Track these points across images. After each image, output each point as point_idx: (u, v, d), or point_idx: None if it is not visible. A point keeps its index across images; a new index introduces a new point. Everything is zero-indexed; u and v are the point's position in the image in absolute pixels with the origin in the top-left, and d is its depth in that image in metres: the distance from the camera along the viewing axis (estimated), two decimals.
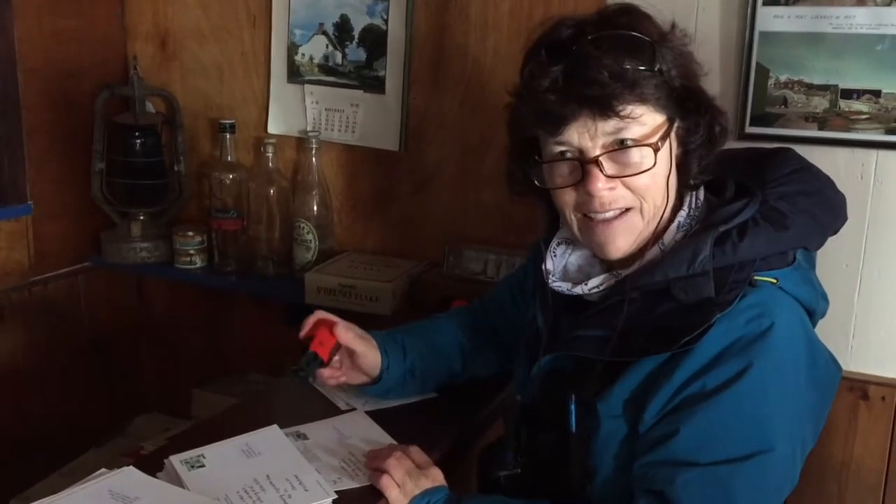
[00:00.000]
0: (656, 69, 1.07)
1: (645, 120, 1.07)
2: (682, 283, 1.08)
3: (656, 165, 1.08)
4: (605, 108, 1.05)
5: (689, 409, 1.04)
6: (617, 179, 1.09)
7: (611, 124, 1.06)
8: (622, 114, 1.05)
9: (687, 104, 1.11)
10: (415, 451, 1.21)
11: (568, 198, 1.13)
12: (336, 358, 1.34)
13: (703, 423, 1.03)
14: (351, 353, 1.34)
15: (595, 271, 1.20)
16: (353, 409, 1.38)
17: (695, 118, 1.12)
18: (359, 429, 1.31)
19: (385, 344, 1.37)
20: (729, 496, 1.03)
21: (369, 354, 1.34)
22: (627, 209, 1.11)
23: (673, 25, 1.13)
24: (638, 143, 1.07)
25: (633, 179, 1.09)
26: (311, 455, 1.22)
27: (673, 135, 1.11)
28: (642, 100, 1.06)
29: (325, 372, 1.33)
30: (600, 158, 1.08)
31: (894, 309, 1.54)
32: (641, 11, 1.13)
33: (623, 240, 1.12)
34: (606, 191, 1.09)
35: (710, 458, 1.03)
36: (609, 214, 1.11)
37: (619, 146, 1.08)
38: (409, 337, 1.42)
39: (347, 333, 1.32)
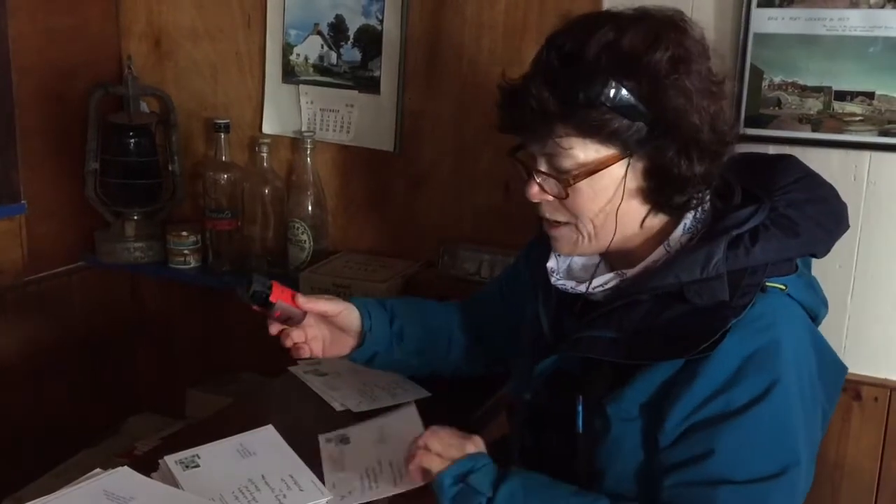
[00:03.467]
0: (603, 102, 1.03)
1: (576, 153, 1.08)
2: (696, 287, 1.07)
3: (573, 197, 1.10)
4: (528, 133, 1.10)
5: (719, 425, 1.04)
6: (547, 195, 1.12)
7: (543, 149, 1.10)
8: (551, 142, 1.08)
9: (654, 140, 1.06)
10: (442, 427, 1.18)
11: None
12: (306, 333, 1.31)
13: (736, 442, 1.04)
14: (325, 318, 1.31)
15: (599, 270, 1.20)
16: (347, 409, 1.38)
17: (664, 155, 1.07)
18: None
19: (368, 307, 1.37)
20: None
21: (343, 311, 1.32)
22: (564, 223, 1.14)
23: (682, 60, 1.06)
24: (557, 172, 1.10)
25: (564, 200, 1.11)
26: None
27: (630, 168, 1.08)
28: (580, 132, 1.06)
29: (294, 334, 1.29)
30: (537, 171, 1.12)
31: (887, 310, 1.55)
32: (658, 28, 1.07)
33: (563, 246, 1.17)
34: (543, 202, 1.14)
35: (746, 476, 1.03)
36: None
37: (551, 170, 1.11)
38: (399, 305, 1.42)
39: (310, 299, 1.28)
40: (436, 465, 1.12)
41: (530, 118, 1.07)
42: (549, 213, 1.15)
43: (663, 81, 1.05)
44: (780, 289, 1.09)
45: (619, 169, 1.08)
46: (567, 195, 1.10)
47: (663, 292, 1.10)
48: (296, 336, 1.29)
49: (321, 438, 1.27)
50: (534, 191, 1.13)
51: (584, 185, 1.09)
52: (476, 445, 1.15)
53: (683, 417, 1.05)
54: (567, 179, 1.09)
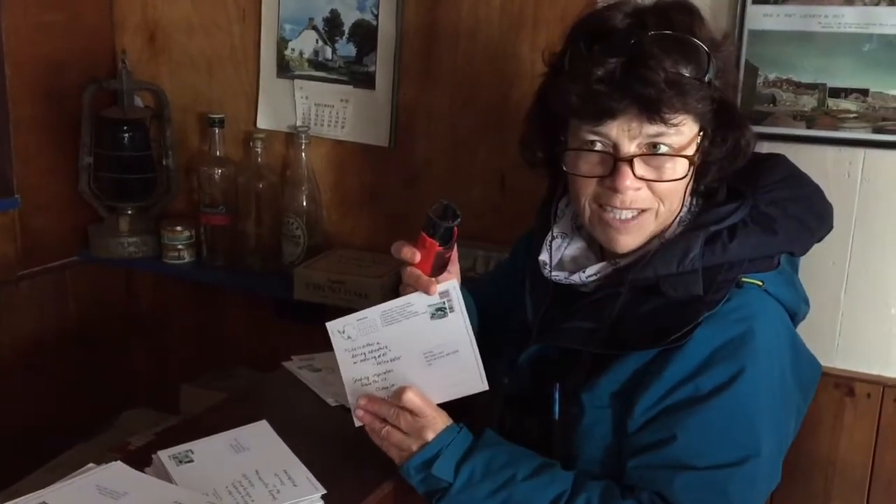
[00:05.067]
0: (705, 80, 1.07)
1: (684, 129, 1.08)
2: (671, 280, 1.09)
3: (686, 176, 1.10)
4: (654, 111, 1.05)
5: (685, 411, 1.06)
6: (644, 181, 1.09)
7: (654, 128, 1.07)
8: (668, 121, 1.06)
9: (722, 117, 1.11)
10: (410, 399, 1.14)
11: (588, 188, 1.13)
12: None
13: (700, 428, 1.06)
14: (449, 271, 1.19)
15: (590, 261, 1.21)
16: (341, 405, 1.38)
17: (724, 132, 1.12)
18: None
19: None
20: (727, 499, 1.06)
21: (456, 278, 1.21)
22: (644, 210, 1.12)
23: (725, 35, 1.14)
24: (675, 152, 1.08)
25: (660, 184, 1.10)
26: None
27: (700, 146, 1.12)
28: (687, 109, 1.07)
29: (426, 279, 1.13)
30: (634, 159, 1.08)
31: (880, 307, 1.55)
32: (699, 13, 1.12)
33: (633, 238, 1.14)
34: (632, 190, 1.09)
35: (706, 463, 1.05)
36: (626, 214, 1.12)
37: (655, 150, 1.08)
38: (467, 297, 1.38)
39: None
40: (397, 458, 1.15)
41: (653, 98, 1.04)
42: (632, 202, 1.10)
43: (728, 61, 1.13)
44: (757, 284, 1.10)
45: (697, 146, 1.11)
46: (686, 174, 1.09)
47: (643, 285, 1.11)
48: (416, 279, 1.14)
49: (447, 286, 1.13)
50: (628, 181, 1.08)
51: (686, 164, 1.09)
52: (435, 430, 1.14)
53: (652, 404, 1.08)
54: (692, 157, 1.09)
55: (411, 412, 1.15)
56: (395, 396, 1.16)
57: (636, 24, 1.08)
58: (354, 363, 1.17)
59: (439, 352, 1.15)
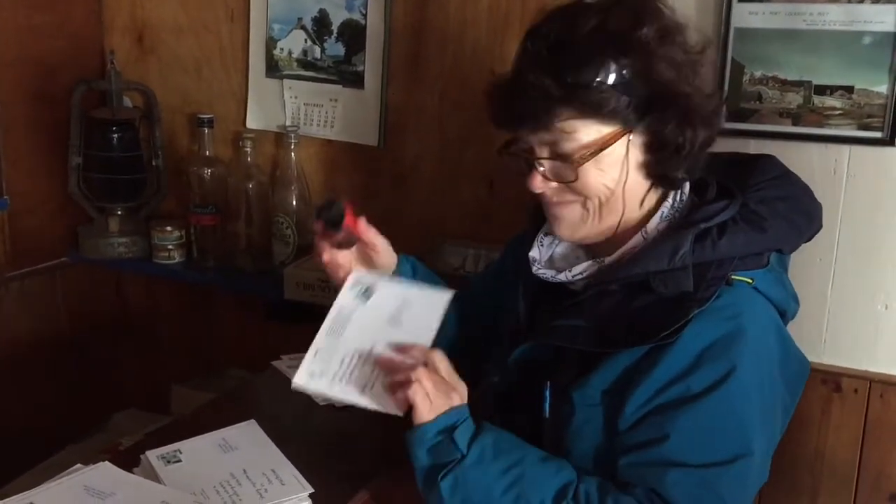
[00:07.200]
0: (606, 83, 1.06)
1: (579, 136, 1.09)
2: (662, 277, 1.10)
3: (582, 178, 1.10)
4: (531, 122, 1.10)
5: (677, 410, 1.06)
6: (551, 183, 1.13)
7: (545, 136, 1.10)
8: (554, 127, 1.09)
9: (654, 111, 1.09)
10: (440, 359, 1.12)
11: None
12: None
13: (692, 427, 1.06)
14: (370, 247, 1.28)
15: (579, 259, 1.22)
16: (329, 404, 1.38)
17: (663, 127, 1.10)
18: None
19: (406, 257, 1.37)
20: (719, 496, 1.06)
21: (387, 253, 1.31)
22: (572, 201, 1.14)
23: (665, 30, 1.10)
24: (562, 157, 1.11)
25: (572, 184, 1.12)
26: None
27: (630, 144, 1.11)
28: (581, 113, 1.08)
29: (340, 256, 1.26)
30: (540, 161, 1.12)
31: (867, 302, 1.56)
32: (624, 7, 1.10)
33: (566, 226, 1.16)
34: (548, 189, 1.14)
35: (698, 461, 1.06)
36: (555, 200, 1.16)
37: (555, 156, 1.11)
38: (420, 265, 1.41)
39: (369, 228, 1.28)
40: (424, 411, 1.08)
41: (531, 107, 1.08)
42: (556, 196, 1.15)
43: (654, 55, 1.09)
44: (747, 282, 1.11)
45: (621, 146, 1.10)
46: (576, 178, 1.10)
47: (632, 282, 1.12)
48: (342, 258, 1.27)
49: (352, 277, 1.24)
50: (537, 182, 1.13)
51: (590, 165, 1.10)
52: (461, 397, 1.12)
53: (642, 403, 1.08)
54: (576, 161, 1.10)
55: (437, 372, 1.11)
56: (421, 353, 1.12)
57: (543, 32, 1.09)
58: (347, 385, 1.14)
59: (396, 312, 1.19)
